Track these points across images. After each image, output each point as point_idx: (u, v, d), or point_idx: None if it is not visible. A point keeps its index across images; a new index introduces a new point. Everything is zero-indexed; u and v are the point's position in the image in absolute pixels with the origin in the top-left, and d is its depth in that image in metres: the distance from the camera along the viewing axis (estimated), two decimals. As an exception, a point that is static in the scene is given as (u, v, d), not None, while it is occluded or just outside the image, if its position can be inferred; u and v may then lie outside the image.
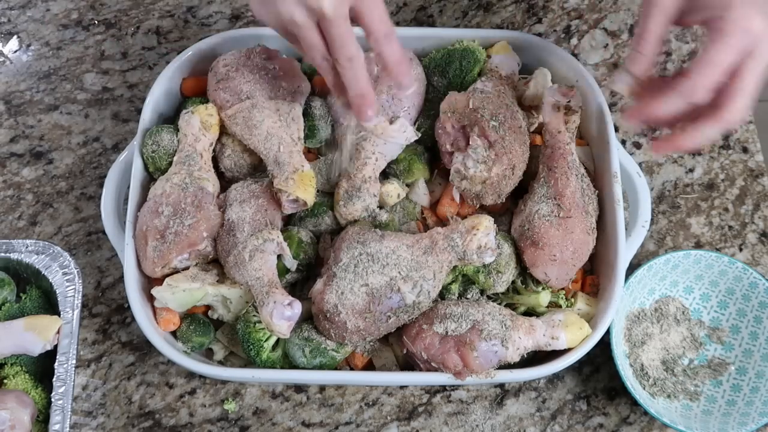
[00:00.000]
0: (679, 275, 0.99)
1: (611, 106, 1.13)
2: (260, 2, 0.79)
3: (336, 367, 0.92)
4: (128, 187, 0.96)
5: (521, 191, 0.96)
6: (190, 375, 0.99)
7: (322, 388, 0.99)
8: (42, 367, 0.93)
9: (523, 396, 0.98)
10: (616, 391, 0.99)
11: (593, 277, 0.96)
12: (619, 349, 0.94)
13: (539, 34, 1.17)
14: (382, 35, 0.78)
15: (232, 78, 0.96)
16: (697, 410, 0.95)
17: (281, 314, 0.84)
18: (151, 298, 0.92)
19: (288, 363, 0.91)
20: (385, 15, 0.78)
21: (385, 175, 0.98)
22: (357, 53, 0.78)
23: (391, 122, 0.94)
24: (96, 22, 1.20)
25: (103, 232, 1.04)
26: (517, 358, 0.88)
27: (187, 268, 0.92)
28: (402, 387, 0.99)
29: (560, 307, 0.93)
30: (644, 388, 0.95)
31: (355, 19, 0.77)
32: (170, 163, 0.96)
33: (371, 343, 0.92)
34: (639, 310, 0.99)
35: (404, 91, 0.90)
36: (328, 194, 0.97)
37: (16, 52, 1.18)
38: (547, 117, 0.94)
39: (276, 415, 0.97)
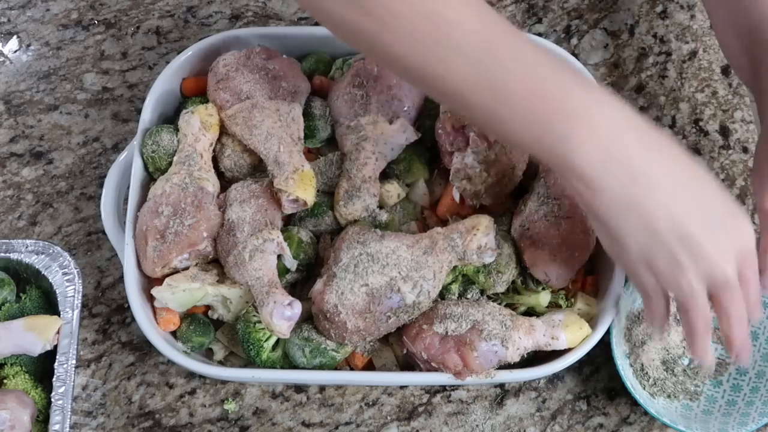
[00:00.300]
0: None
1: (611, 106, 1.13)
2: (644, 266, 0.73)
3: (336, 367, 0.92)
4: (128, 187, 0.96)
5: (521, 191, 0.96)
6: (190, 375, 0.99)
7: (322, 388, 0.99)
8: (42, 367, 0.92)
9: (523, 396, 0.98)
10: (616, 391, 0.99)
11: (593, 277, 0.96)
12: (619, 349, 0.94)
13: (539, 34, 1.17)
14: (753, 309, 0.76)
15: (232, 78, 0.96)
16: (698, 410, 0.95)
17: (281, 314, 0.84)
18: (151, 298, 0.92)
19: (288, 363, 0.91)
20: (757, 296, 0.75)
21: (385, 175, 0.98)
22: (708, 318, 0.75)
23: (390, 122, 0.94)
24: (96, 22, 1.20)
25: (103, 232, 1.04)
26: (517, 358, 0.88)
27: (187, 268, 0.92)
28: (402, 387, 0.99)
29: (560, 307, 0.93)
30: (644, 388, 0.95)
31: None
32: (170, 163, 0.96)
33: (371, 343, 0.92)
34: (639, 310, 0.99)
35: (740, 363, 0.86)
36: (328, 194, 0.97)
37: (16, 52, 1.18)
38: (547, 117, 0.94)
39: (276, 415, 0.97)
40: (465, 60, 0.68)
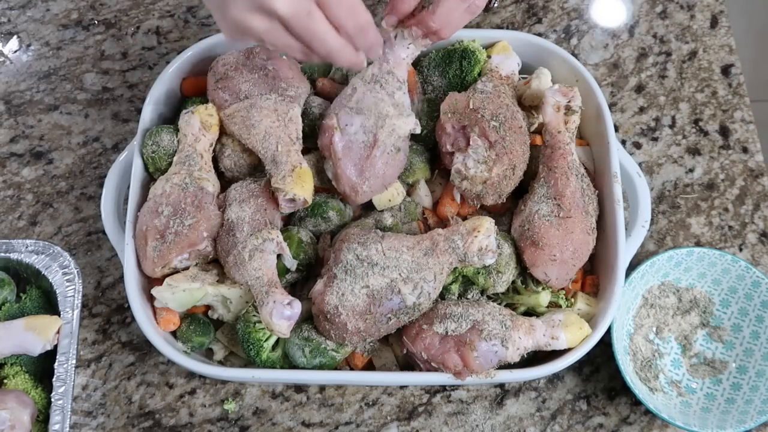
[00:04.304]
0: (681, 273, 0.99)
1: (611, 106, 1.13)
2: (220, 16, 0.73)
3: (336, 367, 0.92)
4: (128, 187, 0.96)
5: (521, 191, 0.96)
6: (190, 375, 0.99)
7: (322, 388, 0.99)
8: (42, 367, 0.93)
9: (523, 396, 0.98)
10: (616, 391, 0.99)
11: (593, 277, 0.96)
12: (620, 344, 0.94)
13: (539, 34, 1.17)
14: (352, 30, 0.73)
15: (231, 78, 0.96)
16: (696, 407, 0.95)
17: (281, 314, 0.84)
18: (151, 298, 0.92)
19: (288, 363, 0.91)
20: (356, 2, 0.72)
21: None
22: (335, 45, 0.73)
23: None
24: (96, 22, 1.20)
25: (103, 232, 1.04)
26: (517, 358, 0.88)
27: (187, 268, 0.92)
28: (402, 387, 0.99)
29: (560, 307, 0.93)
30: (645, 383, 0.95)
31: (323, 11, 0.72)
32: (170, 163, 0.96)
33: (371, 344, 0.92)
34: (641, 305, 1.00)
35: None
36: (325, 192, 0.97)
37: (16, 52, 1.18)
38: (547, 117, 0.94)
39: (276, 415, 0.97)
40: None
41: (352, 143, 0.91)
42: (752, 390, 0.94)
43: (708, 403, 0.95)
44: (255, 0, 0.68)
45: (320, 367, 0.90)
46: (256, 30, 0.70)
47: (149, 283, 0.93)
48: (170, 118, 1.03)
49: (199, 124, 0.95)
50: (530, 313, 0.93)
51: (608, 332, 0.92)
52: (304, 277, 0.95)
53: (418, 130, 0.93)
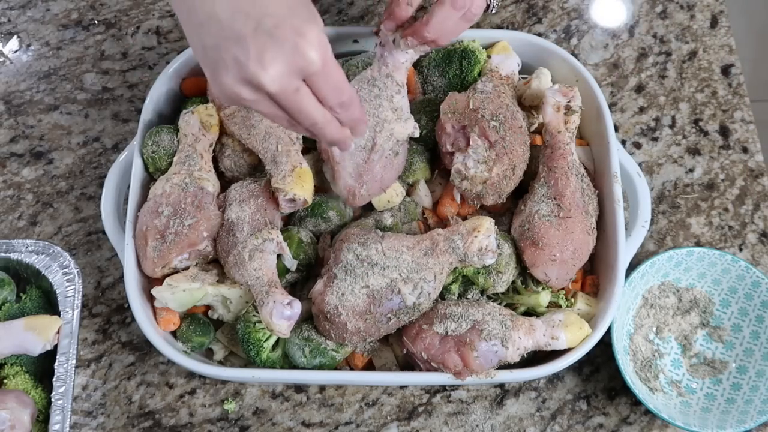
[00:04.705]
0: (681, 273, 0.99)
1: (611, 106, 1.13)
2: (211, 79, 0.73)
3: (336, 367, 0.92)
4: (128, 187, 0.96)
5: (521, 191, 0.96)
6: (190, 375, 0.99)
7: (322, 388, 0.99)
8: (42, 367, 0.93)
9: (523, 396, 0.98)
10: (616, 391, 0.99)
11: (593, 277, 0.96)
12: (620, 344, 0.94)
13: (539, 34, 1.17)
14: (336, 106, 0.74)
15: (232, 78, 0.96)
16: (696, 407, 0.95)
17: (281, 314, 0.84)
18: (151, 298, 0.92)
19: (288, 363, 0.91)
20: (341, 81, 0.73)
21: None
22: (320, 119, 0.74)
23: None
24: (96, 22, 1.20)
25: (103, 232, 1.04)
26: (517, 358, 0.88)
27: (187, 268, 0.92)
28: (402, 387, 0.99)
29: (560, 307, 0.93)
30: (645, 383, 0.95)
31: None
32: (170, 164, 0.96)
33: (371, 344, 0.92)
34: (641, 305, 1.00)
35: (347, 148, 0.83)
36: (325, 192, 0.97)
37: (16, 52, 1.18)
38: (547, 117, 0.94)
39: (276, 415, 0.97)
40: None
41: None
42: (752, 390, 0.94)
43: (708, 403, 0.95)
44: (244, 74, 0.69)
45: (320, 367, 0.90)
46: (245, 100, 0.71)
47: (149, 283, 0.93)
48: (170, 118, 1.03)
49: (199, 124, 0.95)
50: (530, 313, 0.93)
51: (608, 332, 0.92)
52: (304, 277, 0.95)
53: (417, 134, 0.93)
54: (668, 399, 0.95)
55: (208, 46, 0.71)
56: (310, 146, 0.99)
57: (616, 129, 1.12)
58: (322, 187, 0.97)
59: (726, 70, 1.16)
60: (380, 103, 0.91)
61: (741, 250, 1.06)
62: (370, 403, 0.98)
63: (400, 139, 0.92)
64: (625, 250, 0.91)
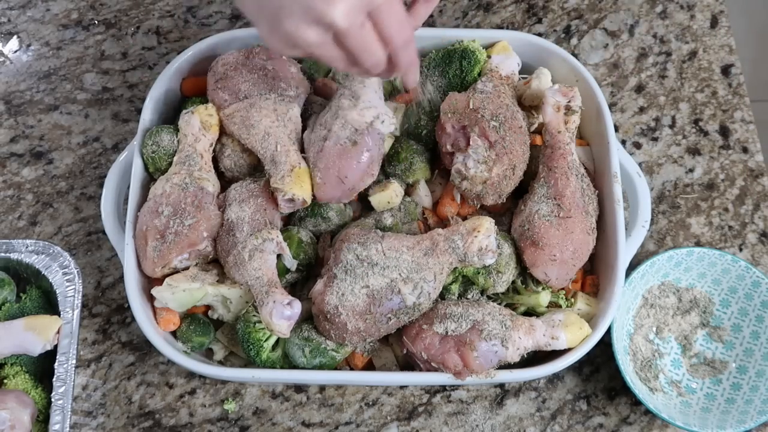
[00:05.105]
0: (681, 272, 0.99)
1: (611, 106, 1.13)
2: (269, 30, 0.72)
3: (336, 367, 0.92)
4: (128, 187, 0.96)
5: (521, 191, 0.96)
6: (190, 375, 0.99)
7: (322, 388, 0.99)
8: (42, 367, 0.93)
9: (523, 396, 0.98)
10: (616, 391, 0.99)
11: (593, 277, 0.96)
12: (620, 344, 0.94)
13: (539, 34, 1.17)
14: (400, 44, 0.73)
15: (231, 78, 0.96)
16: (696, 407, 0.95)
17: (281, 314, 0.84)
18: (151, 298, 0.92)
19: (288, 363, 0.91)
20: (404, 19, 0.73)
21: (386, 175, 0.98)
22: (381, 58, 0.74)
23: None
24: (96, 22, 1.20)
25: (103, 232, 1.04)
26: (517, 358, 0.88)
27: (187, 268, 0.92)
28: (402, 387, 0.99)
29: (560, 307, 0.93)
30: (645, 383, 0.96)
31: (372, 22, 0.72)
32: (170, 164, 0.96)
33: (371, 344, 0.92)
34: (641, 305, 1.00)
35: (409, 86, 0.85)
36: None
37: (16, 52, 1.18)
38: (547, 117, 0.94)
39: (276, 415, 0.97)
40: None
41: (313, 139, 0.92)
42: (752, 390, 0.94)
43: (708, 403, 0.95)
44: (312, 13, 0.68)
45: (320, 367, 0.90)
46: (309, 42, 0.70)
47: (149, 283, 0.93)
48: (170, 118, 1.03)
49: (199, 124, 0.95)
50: (530, 313, 0.93)
51: (608, 332, 0.92)
52: (304, 277, 0.95)
53: (384, 129, 0.92)
54: (668, 399, 0.96)
55: None
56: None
57: (616, 129, 1.12)
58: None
59: (726, 70, 1.16)
60: (342, 92, 0.92)
61: (741, 250, 1.06)
62: (370, 403, 0.98)
63: (358, 128, 0.91)
64: (625, 250, 0.91)
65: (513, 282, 0.93)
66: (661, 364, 0.98)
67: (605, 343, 0.93)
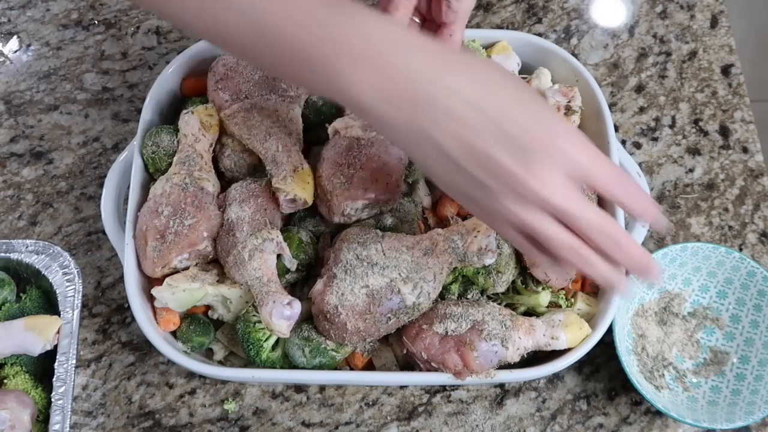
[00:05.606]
0: (676, 268, 0.99)
1: (611, 106, 1.13)
2: (461, 195, 0.66)
3: (336, 367, 0.92)
4: (128, 187, 0.96)
5: (521, 191, 0.95)
6: (190, 375, 0.99)
7: (322, 388, 0.99)
8: (42, 367, 0.93)
9: (523, 396, 0.98)
10: (616, 391, 0.99)
11: (593, 277, 0.96)
12: (623, 345, 0.94)
13: (539, 34, 1.17)
14: (621, 192, 0.66)
15: (231, 78, 0.96)
16: (703, 401, 0.95)
17: (281, 314, 0.84)
18: (151, 298, 0.92)
19: (288, 363, 0.91)
20: (612, 166, 0.65)
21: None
22: (617, 228, 0.66)
23: None
24: (96, 22, 1.20)
25: (103, 232, 1.04)
26: (517, 358, 0.88)
27: (187, 268, 0.92)
28: (402, 387, 0.99)
29: (560, 307, 0.93)
30: (651, 382, 0.95)
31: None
32: (170, 164, 0.96)
33: (371, 344, 0.92)
34: (639, 305, 1.00)
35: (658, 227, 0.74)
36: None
37: (16, 52, 1.18)
38: (547, 117, 0.94)
39: (276, 415, 0.97)
40: (234, 11, 0.64)
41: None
42: (756, 380, 0.94)
43: (714, 396, 0.95)
44: (522, 197, 0.62)
45: (320, 367, 0.90)
46: (532, 223, 0.64)
47: (149, 283, 0.93)
48: (170, 118, 1.03)
49: (198, 125, 0.95)
50: (530, 313, 0.93)
51: (609, 332, 0.91)
52: (304, 277, 0.95)
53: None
54: (674, 396, 0.95)
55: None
56: (311, 146, 0.99)
57: (616, 129, 1.12)
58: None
59: (726, 70, 1.16)
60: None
61: (741, 249, 1.06)
62: (370, 403, 0.98)
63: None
64: (625, 250, 0.91)
65: (513, 282, 0.93)
66: (664, 361, 0.98)
67: (605, 343, 0.93)
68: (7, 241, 0.95)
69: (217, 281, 0.91)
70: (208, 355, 0.96)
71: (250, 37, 0.65)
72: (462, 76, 0.62)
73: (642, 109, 1.14)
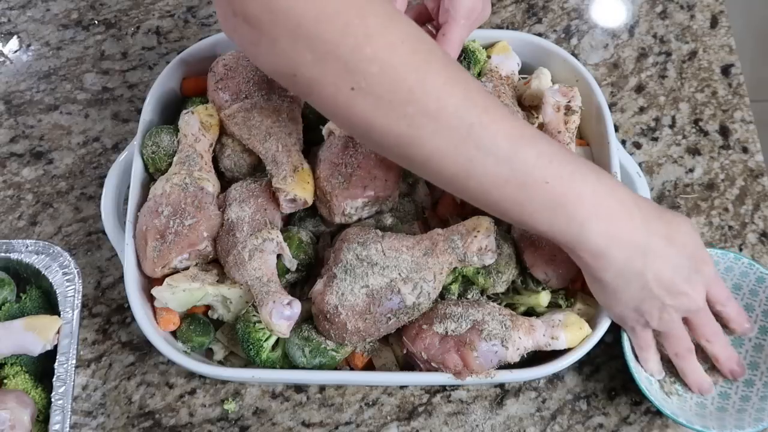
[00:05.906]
0: None
1: (611, 106, 1.13)
2: (632, 310, 0.86)
3: (336, 367, 0.92)
4: (128, 187, 0.96)
5: (521, 191, 0.95)
6: (190, 375, 0.99)
7: (322, 388, 0.99)
8: (42, 367, 0.93)
9: (523, 396, 0.98)
10: (616, 391, 0.99)
11: (593, 277, 0.96)
12: (631, 352, 0.93)
13: (539, 34, 1.17)
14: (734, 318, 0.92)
15: (232, 78, 0.96)
16: (712, 407, 0.94)
17: (281, 314, 0.84)
18: (151, 298, 0.92)
19: (288, 363, 0.91)
20: (726, 292, 0.90)
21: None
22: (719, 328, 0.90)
23: None
24: (96, 22, 1.20)
25: (103, 232, 1.04)
26: (517, 358, 0.88)
27: (187, 268, 0.92)
28: (402, 387, 0.99)
29: (560, 307, 0.93)
30: (661, 388, 0.95)
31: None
32: (170, 164, 0.96)
33: (371, 344, 0.92)
34: None
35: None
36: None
37: (16, 52, 1.18)
38: (547, 117, 0.94)
39: (276, 415, 0.97)
40: (496, 160, 0.73)
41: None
42: (765, 386, 0.93)
43: (723, 402, 0.94)
44: (683, 305, 0.86)
45: (320, 367, 0.90)
46: (672, 322, 0.86)
47: (149, 283, 0.93)
48: (170, 118, 1.03)
49: (199, 124, 0.95)
50: (530, 313, 0.93)
51: (609, 332, 0.91)
52: (304, 277, 0.95)
53: None
54: (683, 402, 0.95)
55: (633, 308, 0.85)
56: (312, 146, 0.99)
57: (616, 129, 1.12)
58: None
59: (726, 70, 1.16)
60: None
61: (741, 250, 1.06)
62: (370, 403, 0.98)
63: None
64: (625, 250, 0.91)
65: (513, 282, 0.93)
66: (674, 367, 0.97)
67: (605, 343, 0.93)
68: (7, 241, 0.95)
69: (217, 281, 0.91)
70: (208, 355, 0.96)
71: (508, 188, 0.76)
72: (660, 225, 0.81)
73: (642, 109, 1.14)
